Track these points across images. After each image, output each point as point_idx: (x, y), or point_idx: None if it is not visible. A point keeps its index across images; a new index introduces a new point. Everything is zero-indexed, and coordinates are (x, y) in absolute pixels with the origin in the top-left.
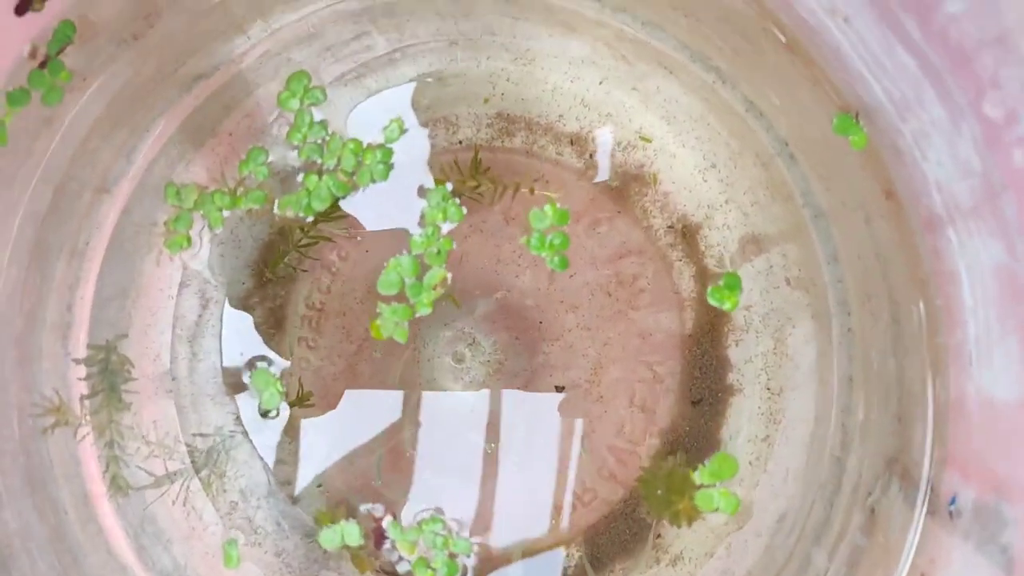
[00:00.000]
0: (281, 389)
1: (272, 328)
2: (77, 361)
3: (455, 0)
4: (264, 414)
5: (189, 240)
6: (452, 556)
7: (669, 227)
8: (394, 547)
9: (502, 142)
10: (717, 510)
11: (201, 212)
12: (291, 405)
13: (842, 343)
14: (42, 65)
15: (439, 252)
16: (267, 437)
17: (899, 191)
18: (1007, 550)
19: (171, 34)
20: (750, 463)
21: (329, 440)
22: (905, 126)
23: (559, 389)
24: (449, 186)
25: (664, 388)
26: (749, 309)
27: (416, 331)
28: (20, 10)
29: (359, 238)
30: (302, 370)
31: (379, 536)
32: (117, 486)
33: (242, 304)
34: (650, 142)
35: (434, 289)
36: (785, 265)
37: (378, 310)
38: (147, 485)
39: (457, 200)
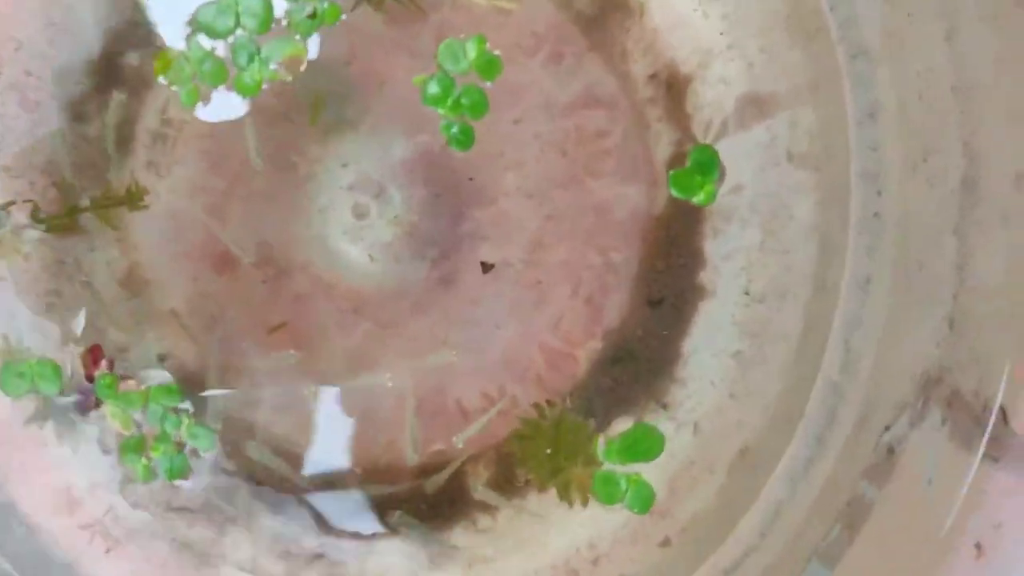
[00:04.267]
0: None
1: (113, 147)
2: None
3: None
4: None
5: None
6: (181, 447)
7: (651, 76)
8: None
9: None
10: (621, 504)
11: None
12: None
13: (862, 232)
14: None
15: (314, 16)
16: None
17: None
18: None
19: None
20: (712, 383)
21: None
22: None
23: (485, 267)
24: None
25: (617, 280)
26: (737, 192)
27: (308, 172)
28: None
29: None
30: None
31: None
32: None
33: (76, 111)
34: None
35: (274, 67)
36: (791, 136)
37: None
38: None
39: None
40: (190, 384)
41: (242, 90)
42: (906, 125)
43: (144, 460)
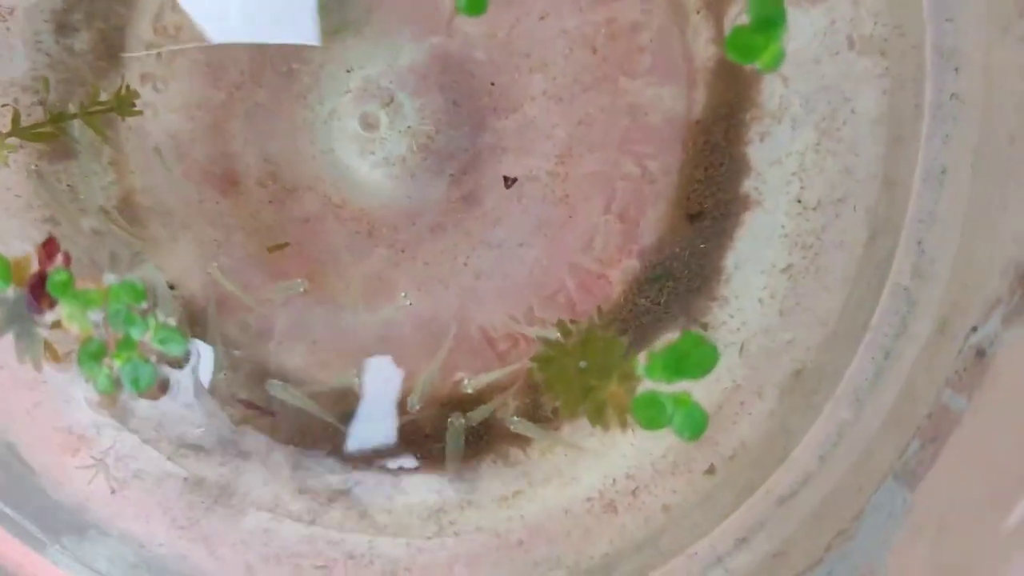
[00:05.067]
0: None
1: (102, 60)
2: None
3: None
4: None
5: None
6: (146, 360)
7: None
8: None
9: None
10: (666, 426)
11: None
12: (107, 110)
13: (937, 118)
14: None
15: None
16: None
17: None
18: None
19: None
20: (760, 300)
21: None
22: None
23: (509, 181)
24: None
25: (654, 192)
26: (787, 85)
27: (311, 81)
28: None
29: None
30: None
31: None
32: None
33: (59, 21)
34: None
35: None
36: (855, 18)
37: None
38: None
39: None
40: (199, 316)
41: None
42: None
43: (106, 369)
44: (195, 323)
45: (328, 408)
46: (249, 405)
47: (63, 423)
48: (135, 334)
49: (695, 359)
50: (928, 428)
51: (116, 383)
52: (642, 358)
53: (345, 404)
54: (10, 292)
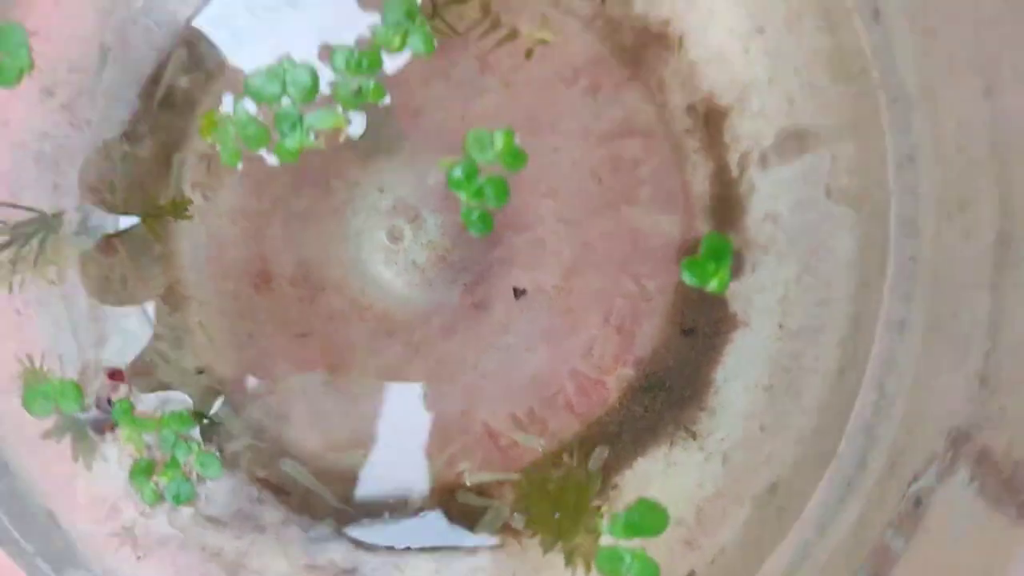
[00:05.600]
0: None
1: (161, 167)
2: None
3: None
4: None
5: None
6: (187, 478)
7: (689, 107)
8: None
9: None
10: None
11: None
12: (163, 214)
13: (899, 275)
14: None
15: (359, 92)
16: None
17: None
18: None
19: None
20: (743, 414)
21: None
22: None
23: (518, 293)
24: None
25: (651, 308)
26: (775, 222)
27: (346, 196)
28: None
29: None
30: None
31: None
32: None
33: (125, 132)
34: None
35: (315, 138)
36: (831, 171)
37: (218, 115)
38: None
39: (427, 26)
40: (224, 396)
41: (282, 155)
42: (943, 174)
43: (152, 484)
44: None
45: (338, 489)
46: (265, 483)
47: (98, 493)
48: (180, 457)
49: (649, 522)
50: (871, 564)
51: (159, 495)
52: (605, 518)
53: (354, 485)
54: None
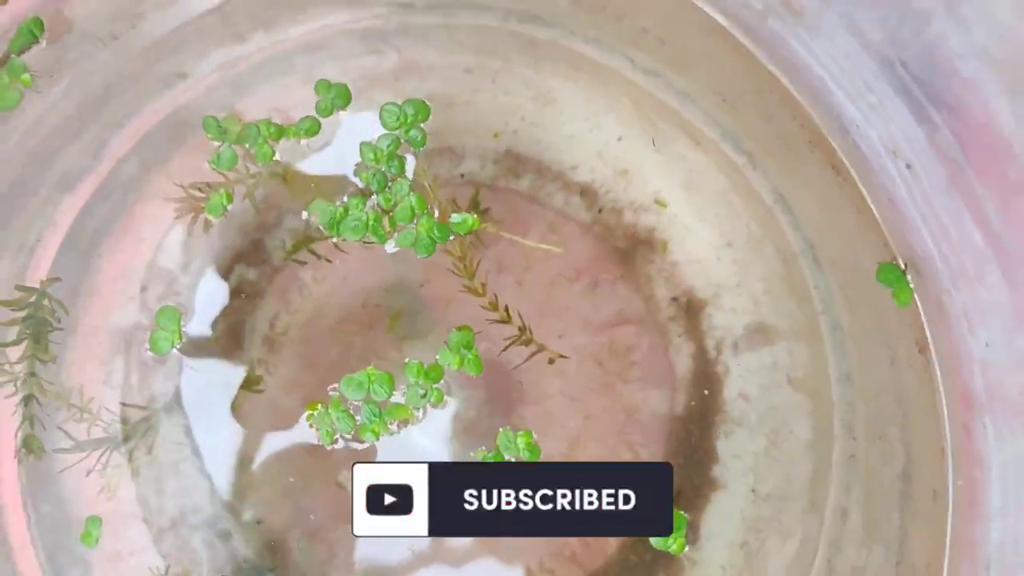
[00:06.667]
0: (180, 329)
1: (231, 343)
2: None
3: (475, 33)
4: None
5: (229, 199)
6: None
7: (673, 299)
8: None
9: (507, 182)
10: None
11: (246, 144)
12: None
13: (842, 468)
14: (1, 63)
15: (424, 395)
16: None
17: (935, 350)
18: None
19: (156, 37)
20: (722, 568)
21: (276, 473)
22: (957, 294)
23: None
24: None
25: None
26: (747, 401)
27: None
28: None
29: (337, 261)
30: (263, 390)
31: None
32: (29, 447)
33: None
34: (666, 207)
35: (389, 425)
36: (791, 365)
37: (315, 414)
38: (64, 449)
39: (475, 353)
40: (275, 545)
41: (363, 436)
42: (869, 405)
43: None
44: (275, 552)
45: None
46: None
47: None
48: None
49: None
50: None
51: None
52: None
53: None
54: None
